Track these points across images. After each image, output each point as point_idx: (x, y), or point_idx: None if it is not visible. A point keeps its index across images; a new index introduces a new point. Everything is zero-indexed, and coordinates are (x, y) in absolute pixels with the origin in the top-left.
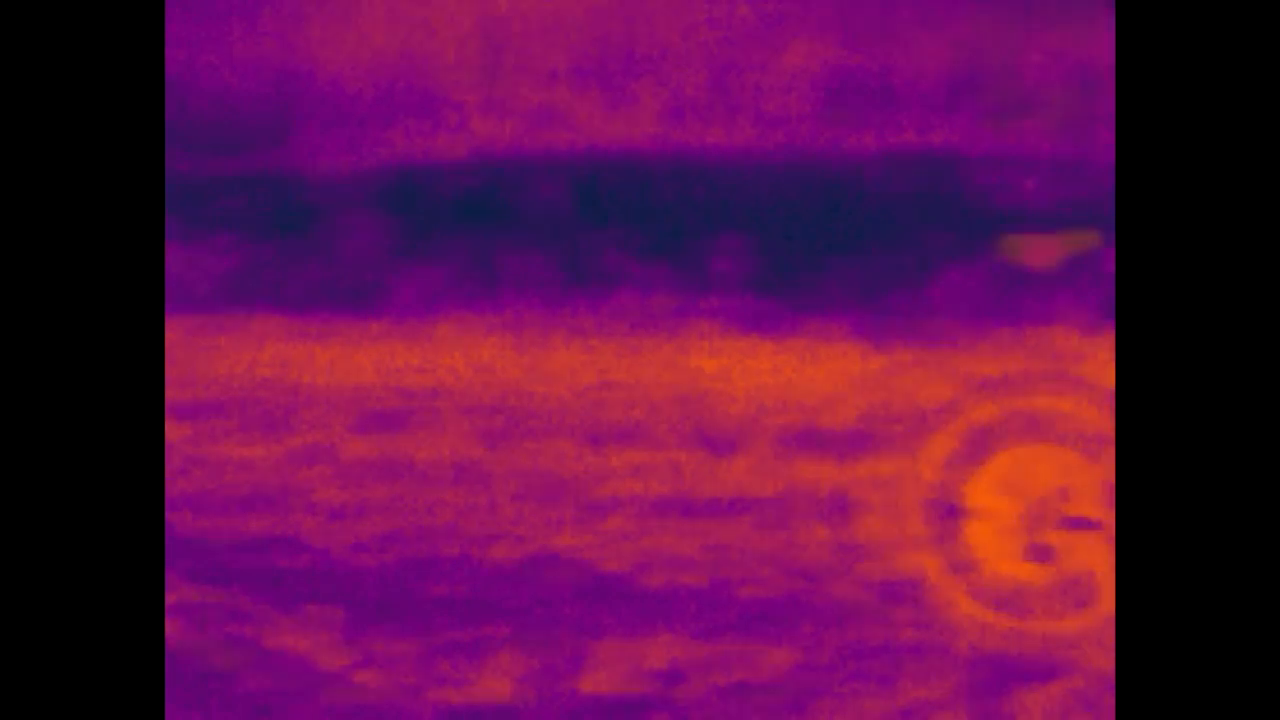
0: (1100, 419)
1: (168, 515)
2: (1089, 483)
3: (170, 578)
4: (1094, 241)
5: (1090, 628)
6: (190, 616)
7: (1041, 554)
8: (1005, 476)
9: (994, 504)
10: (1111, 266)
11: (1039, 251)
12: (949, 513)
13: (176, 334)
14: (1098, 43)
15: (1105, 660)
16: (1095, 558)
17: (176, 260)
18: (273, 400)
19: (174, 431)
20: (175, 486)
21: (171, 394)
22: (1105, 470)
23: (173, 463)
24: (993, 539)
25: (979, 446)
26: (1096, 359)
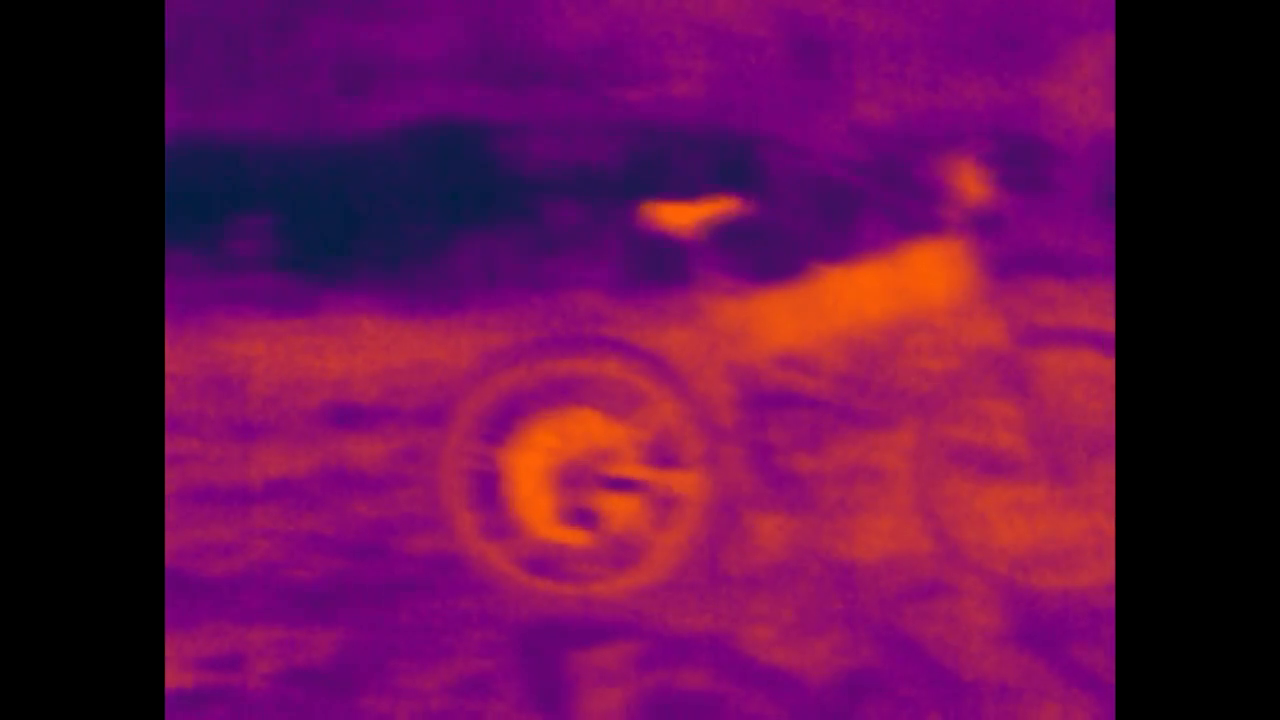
0: (631, 378)
1: None
2: (625, 444)
3: None
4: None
5: (639, 588)
6: None
7: (583, 517)
8: (541, 441)
9: (531, 469)
10: (635, 226)
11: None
12: (486, 480)
13: None
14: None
15: (658, 620)
16: (638, 518)
17: None
18: None
19: None
20: None
21: None
22: (640, 431)
23: None
24: (532, 504)
25: (512, 412)
26: (623, 320)
